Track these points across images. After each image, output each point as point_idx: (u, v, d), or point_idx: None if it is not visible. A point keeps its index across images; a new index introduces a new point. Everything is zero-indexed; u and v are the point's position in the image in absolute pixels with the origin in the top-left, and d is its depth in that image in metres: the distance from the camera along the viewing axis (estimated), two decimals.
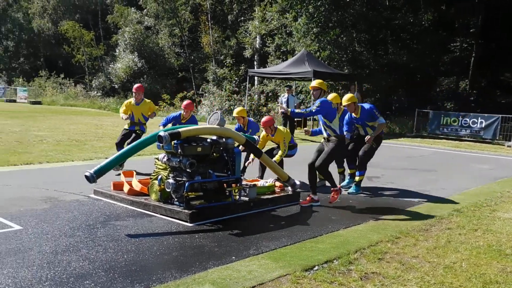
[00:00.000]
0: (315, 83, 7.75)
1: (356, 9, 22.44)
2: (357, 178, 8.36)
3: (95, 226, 5.92)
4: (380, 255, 5.08)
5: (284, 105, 17.92)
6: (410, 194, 8.47)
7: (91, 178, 6.00)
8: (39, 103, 34.08)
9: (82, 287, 4.07)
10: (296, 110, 7.65)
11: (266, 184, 7.62)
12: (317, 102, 7.43)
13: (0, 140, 13.53)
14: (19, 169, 9.71)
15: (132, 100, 10.02)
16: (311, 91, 7.81)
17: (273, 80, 25.59)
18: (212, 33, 33.24)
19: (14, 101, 36.04)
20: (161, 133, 6.03)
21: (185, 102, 9.59)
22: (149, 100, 10.15)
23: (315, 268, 4.68)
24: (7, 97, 37.57)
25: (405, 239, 5.68)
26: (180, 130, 6.26)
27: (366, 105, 8.28)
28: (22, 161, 10.38)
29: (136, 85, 10.13)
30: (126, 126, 9.97)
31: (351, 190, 8.35)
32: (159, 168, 6.80)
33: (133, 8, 36.98)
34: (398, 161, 12.46)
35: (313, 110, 7.45)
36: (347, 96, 8.23)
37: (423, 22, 23.00)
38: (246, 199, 6.91)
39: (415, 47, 22.91)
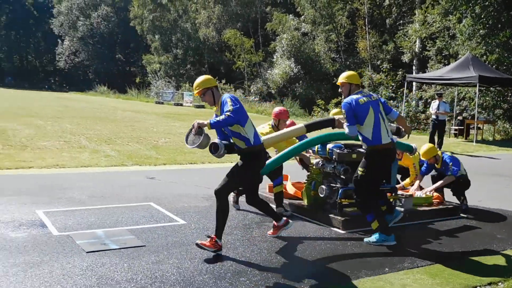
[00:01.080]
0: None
1: None
2: (374, 225, 5.67)
3: (250, 226, 6.17)
4: None
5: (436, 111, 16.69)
6: None
7: None
8: (202, 107, 36.45)
9: (238, 283, 4.26)
10: (218, 118, 4.89)
11: (424, 196, 7.26)
12: (227, 99, 4.97)
13: (168, 140, 14.79)
14: (185, 168, 10.51)
15: (269, 127, 6.93)
16: (202, 98, 5.28)
17: (433, 85, 24.36)
18: (369, 37, 32.70)
19: (181, 104, 39.09)
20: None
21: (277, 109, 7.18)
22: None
23: None
24: (175, 101, 40.91)
25: None
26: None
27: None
28: (187, 160, 11.23)
29: (279, 109, 7.14)
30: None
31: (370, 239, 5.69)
32: (313, 173, 6.86)
33: (291, 15, 37.87)
34: None
35: (232, 109, 4.84)
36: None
37: None
38: (402, 209, 6.67)
39: None
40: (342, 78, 5.68)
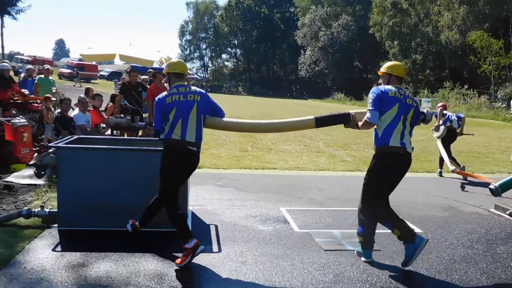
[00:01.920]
0: None
1: None
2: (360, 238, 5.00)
3: (494, 241, 5.72)
4: None
5: None
6: None
7: (496, 192, 5.81)
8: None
9: None
10: None
11: None
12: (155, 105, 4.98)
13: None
14: (421, 176, 10.21)
15: None
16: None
17: None
18: None
19: None
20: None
21: None
22: None
23: None
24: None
25: None
26: None
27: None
28: (423, 168, 10.89)
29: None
30: None
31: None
32: None
33: None
34: None
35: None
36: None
37: None
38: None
39: None
40: (383, 67, 5.07)
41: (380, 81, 5.16)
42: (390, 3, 50.67)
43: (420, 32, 48.73)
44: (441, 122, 10.04)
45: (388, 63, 5.14)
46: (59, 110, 9.29)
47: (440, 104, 10.67)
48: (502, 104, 35.24)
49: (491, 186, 5.67)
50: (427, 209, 7.17)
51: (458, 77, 42.69)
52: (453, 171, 9.29)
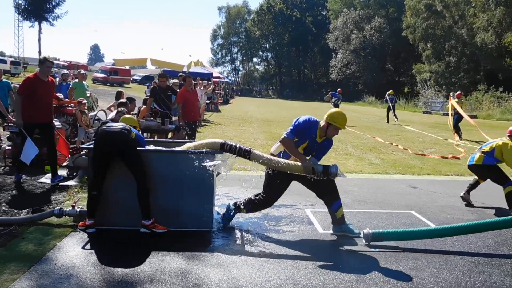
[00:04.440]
0: None
1: None
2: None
3: None
4: None
5: None
6: None
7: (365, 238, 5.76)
8: (475, 117, 34.20)
9: None
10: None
11: None
12: None
13: (434, 150, 14.36)
14: (450, 179, 10.10)
15: None
16: None
17: None
18: None
19: (447, 114, 37.54)
20: None
21: None
22: None
23: None
24: (445, 110, 39.40)
25: None
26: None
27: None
28: (453, 171, 10.76)
29: None
30: None
31: None
32: None
33: None
34: None
35: None
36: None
37: None
38: None
39: None
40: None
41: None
42: (424, 5, 49.96)
43: (454, 34, 47.90)
44: None
45: None
46: (94, 113, 9.55)
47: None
48: None
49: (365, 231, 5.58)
50: (455, 212, 7.13)
51: (493, 79, 41.83)
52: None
